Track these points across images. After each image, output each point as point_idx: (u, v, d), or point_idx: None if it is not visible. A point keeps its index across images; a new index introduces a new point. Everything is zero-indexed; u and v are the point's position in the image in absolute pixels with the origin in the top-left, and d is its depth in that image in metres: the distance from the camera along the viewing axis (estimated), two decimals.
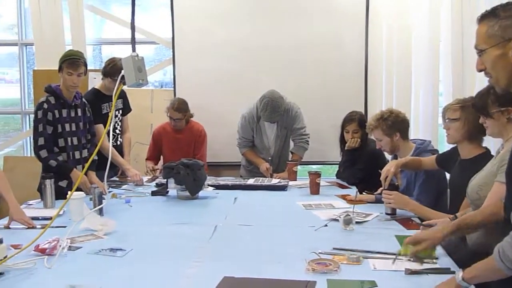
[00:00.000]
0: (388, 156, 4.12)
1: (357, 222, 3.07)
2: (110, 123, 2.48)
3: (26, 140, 6.68)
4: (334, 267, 2.34)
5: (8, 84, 9.23)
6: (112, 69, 4.39)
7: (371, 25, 5.57)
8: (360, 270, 2.34)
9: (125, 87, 2.57)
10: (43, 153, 3.82)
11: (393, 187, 3.28)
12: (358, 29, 5.57)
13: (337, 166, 4.79)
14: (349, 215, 3.04)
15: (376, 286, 2.16)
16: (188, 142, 4.98)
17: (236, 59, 5.70)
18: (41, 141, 3.82)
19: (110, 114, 2.50)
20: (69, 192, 3.20)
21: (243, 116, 4.87)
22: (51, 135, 3.85)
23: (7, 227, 3.13)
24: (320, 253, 2.53)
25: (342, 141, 4.50)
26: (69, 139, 3.92)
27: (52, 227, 2.59)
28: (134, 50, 2.38)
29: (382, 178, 3.31)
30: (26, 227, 3.12)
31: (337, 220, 3.09)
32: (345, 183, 4.33)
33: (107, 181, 3.91)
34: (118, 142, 4.71)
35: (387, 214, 3.26)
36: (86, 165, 2.62)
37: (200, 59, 5.76)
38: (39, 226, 3.12)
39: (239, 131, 4.93)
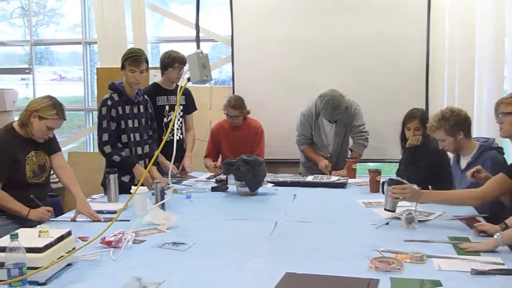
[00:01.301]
0: (450, 155, 4.03)
1: (419, 221, 3.02)
2: (175, 117, 2.51)
3: (89, 136, 6.87)
4: (397, 266, 2.31)
5: (70, 82, 9.50)
6: (169, 59, 4.52)
7: (433, 21, 5.46)
8: (424, 270, 2.30)
9: (188, 85, 2.60)
10: (107, 149, 3.92)
11: (398, 182, 3.20)
12: (420, 25, 5.46)
13: (396, 164, 4.72)
14: (412, 214, 2.99)
15: (441, 286, 2.12)
16: (246, 139, 5.00)
17: (295, 56, 5.70)
18: (105, 137, 3.92)
19: (175, 108, 2.53)
20: (132, 187, 3.31)
21: (302, 113, 4.86)
22: (115, 131, 3.95)
23: (73, 220, 3.24)
24: (382, 251, 2.50)
25: (403, 138, 4.43)
26: (131, 135, 4.01)
27: (117, 220, 2.64)
28: (198, 47, 2.41)
29: (393, 195, 3.14)
30: (91, 220, 3.21)
31: (399, 218, 3.05)
32: (405, 181, 4.26)
33: (166, 177, 4.00)
34: (177, 137, 4.71)
35: (386, 210, 3.14)
36: (151, 162, 2.66)
37: (259, 56, 5.79)
38: (104, 220, 3.21)
39: (297, 128, 4.92)
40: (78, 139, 7.09)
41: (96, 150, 6.28)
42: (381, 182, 3.30)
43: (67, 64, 9.37)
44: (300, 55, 5.69)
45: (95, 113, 6.60)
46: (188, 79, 2.43)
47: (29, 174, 3.28)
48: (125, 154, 3.96)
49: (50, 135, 3.31)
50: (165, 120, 4.56)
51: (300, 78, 5.68)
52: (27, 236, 2.24)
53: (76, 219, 3.24)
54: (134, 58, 3.92)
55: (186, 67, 4.65)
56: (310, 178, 4.36)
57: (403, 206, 3.30)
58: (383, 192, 3.21)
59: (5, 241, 2.19)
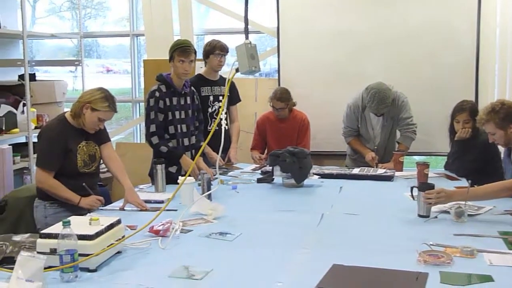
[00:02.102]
0: (501, 148, 3.94)
1: (469, 215, 2.96)
2: (223, 107, 2.52)
3: (136, 127, 6.98)
4: (447, 260, 2.27)
5: (116, 74, 9.67)
6: (209, 46, 4.60)
7: (484, 10, 5.31)
8: (474, 264, 2.26)
9: (237, 75, 2.60)
10: (155, 139, 3.97)
11: (429, 187, 3.11)
12: (470, 14, 5.33)
13: (444, 157, 4.64)
14: (461, 207, 2.94)
15: (493, 281, 2.08)
16: (292, 131, 4.99)
17: (341, 48, 5.65)
18: (152, 128, 3.97)
19: (223, 99, 2.54)
20: (179, 177, 3.35)
21: (348, 105, 4.82)
22: (162, 122, 3.99)
23: (122, 209, 3.31)
24: (431, 244, 2.47)
25: (452, 131, 4.34)
26: (178, 126, 4.05)
27: (165, 210, 2.68)
28: (247, 37, 2.41)
29: (428, 200, 3.09)
30: (139, 209, 3.27)
31: (448, 212, 3.00)
32: (454, 175, 4.19)
33: (212, 168, 4.04)
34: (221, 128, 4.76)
35: (420, 216, 3.05)
36: (199, 152, 2.69)
37: (305, 48, 5.76)
38: (151, 209, 3.26)
39: (344, 121, 4.88)
40: (125, 130, 7.21)
41: (143, 141, 6.41)
42: (410, 188, 3.23)
43: (113, 57, 9.52)
44: (346, 47, 5.64)
45: (142, 105, 6.72)
46: (237, 70, 2.44)
47: (80, 163, 3.34)
48: (172, 145, 4.01)
49: (101, 126, 3.38)
50: (209, 110, 4.60)
51: (347, 70, 5.63)
52: (79, 224, 2.29)
53: (125, 208, 3.31)
54: (183, 49, 3.96)
55: (229, 57, 4.70)
56: (356, 171, 4.33)
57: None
58: (413, 198, 3.16)
59: (57, 228, 2.25)
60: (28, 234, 2.52)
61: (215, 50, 4.56)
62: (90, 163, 3.42)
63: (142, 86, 6.49)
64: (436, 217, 3.00)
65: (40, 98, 5.95)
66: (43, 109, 5.92)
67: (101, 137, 3.50)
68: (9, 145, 5.24)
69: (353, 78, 5.51)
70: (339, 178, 4.16)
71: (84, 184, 3.30)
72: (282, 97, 4.89)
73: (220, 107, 4.62)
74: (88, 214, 2.99)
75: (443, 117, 4.51)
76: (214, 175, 3.84)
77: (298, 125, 5.01)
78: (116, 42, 8.43)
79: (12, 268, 1.91)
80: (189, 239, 2.68)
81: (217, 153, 2.69)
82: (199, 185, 3.55)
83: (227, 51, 4.62)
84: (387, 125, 4.75)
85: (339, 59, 5.66)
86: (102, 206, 3.37)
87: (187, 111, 4.12)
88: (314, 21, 5.71)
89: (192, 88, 4.23)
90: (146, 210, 3.25)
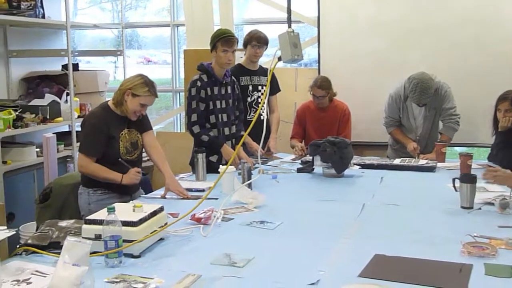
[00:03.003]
0: None
1: None
2: (266, 96, 2.53)
3: (177, 117, 7.05)
4: (492, 251, 2.24)
5: (156, 65, 9.76)
6: (248, 36, 4.62)
7: None
8: None
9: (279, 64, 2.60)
10: (196, 129, 4.01)
11: (471, 178, 3.04)
12: None
13: (487, 149, 4.56)
14: (506, 199, 2.89)
15: None
16: (332, 121, 4.96)
17: (383, 37, 5.58)
18: (194, 117, 4.01)
19: (265, 89, 2.55)
20: (220, 166, 3.38)
21: (390, 95, 4.78)
22: (204, 112, 4.02)
23: (163, 197, 3.36)
24: (475, 236, 2.44)
25: (495, 121, 4.26)
26: (219, 115, 4.08)
27: (206, 198, 2.71)
28: (290, 26, 2.41)
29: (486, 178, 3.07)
30: (181, 197, 3.31)
31: (492, 204, 2.95)
32: (498, 166, 4.11)
33: (252, 157, 4.05)
34: (262, 117, 4.73)
35: (463, 207, 2.98)
36: (240, 142, 2.71)
37: (345, 37, 5.71)
38: (192, 197, 3.30)
39: (385, 110, 4.84)
40: (165, 120, 7.28)
41: (183, 130, 6.46)
42: (453, 179, 3.17)
43: (152, 47, 9.61)
44: (388, 35, 5.57)
45: (182, 94, 6.77)
46: (279, 59, 2.44)
47: (122, 150, 3.38)
48: (213, 135, 4.04)
49: (143, 112, 3.41)
50: (248, 100, 4.61)
51: (388, 59, 5.57)
52: (123, 211, 2.34)
53: (166, 196, 3.35)
54: (226, 39, 3.98)
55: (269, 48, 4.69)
56: (397, 161, 4.29)
57: (496, 191, 3.20)
58: (456, 189, 3.11)
59: (102, 214, 2.30)
60: (73, 220, 2.57)
61: (252, 41, 4.56)
62: (132, 150, 3.45)
63: (182, 76, 6.54)
64: (479, 208, 2.95)
65: (83, 87, 6.06)
66: (85, 98, 6.03)
67: (143, 125, 3.55)
68: (53, 133, 5.34)
69: (395, 67, 5.45)
70: (380, 168, 4.13)
71: (120, 159, 3.34)
72: (323, 84, 4.86)
73: (259, 96, 4.63)
74: (131, 201, 3.05)
75: (487, 108, 4.42)
76: (254, 165, 3.86)
77: (339, 116, 4.98)
78: (155, 33, 8.50)
79: (58, 253, 1.95)
80: (230, 227, 2.71)
81: (258, 143, 2.70)
82: (239, 174, 3.57)
83: (265, 43, 4.59)
84: (429, 116, 4.68)
85: (381, 47, 5.59)
86: (144, 194, 3.43)
87: (228, 100, 4.14)
88: (355, 9, 5.66)
89: (233, 77, 4.25)
90: (187, 198, 3.29)
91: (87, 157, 3.32)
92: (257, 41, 4.55)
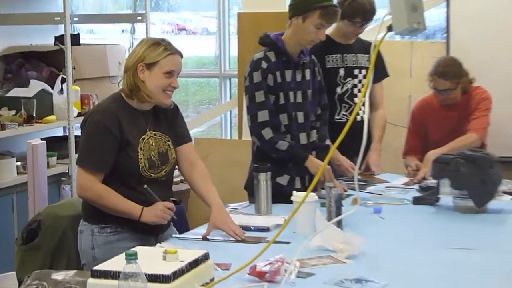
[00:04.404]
0: None
1: None
2: (367, 87, 2.52)
3: (226, 115, 7.04)
4: None
5: (192, 36, 9.72)
6: (349, 7, 4.47)
7: None
8: None
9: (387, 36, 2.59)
10: (267, 133, 3.97)
11: None
12: None
13: None
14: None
15: None
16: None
17: None
18: (262, 115, 3.98)
19: (367, 75, 2.54)
20: (294, 193, 3.38)
21: None
22: (274, 108, 4.01)
23: (205, 237, 3.37)
24: None
25: None
26: (293, 114, 4.08)
27: (273, 242, 2.72)
28: None
29: None
30: (234, 239, 3.32)
31: None
32: None
33: (343, 180, 4.05)
34: (359, 118, 4.63)
35: None
36: (328, 155, 2.71)
37: None
38: (250, 240, 3.31)
39: None
40: (208, 120, 7.29)
41: (235, 136, 6.48)
42: None
43: (188, 8, 9.63)
44: None
45: (235, 81, 6.77)
46: (389, 29, 2.41)
47: (143, 163, 3.35)
48: (293, 141, 4.03)
49: (174, 84, 3.37)
50: (338, 91, 4.61)
51: None
52: (148, 259, 2.36)
53: (210, 238, 3.37)
54: (331, 11, 3.97)
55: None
56: None
57: None
58: None
59: (118, 263, 2.32)
60: (73, 271, 2.61)
61: (355, 17, 4.50)
62: (160, 165, 3.44)
63: (235, 53, 6.55)
64: None
65: (86, 70, 6.10)
66: (90, 86, 6.08)
67: (178, 134, 3.57)
68: (42, 139, 5.31)
69: None
70: None
71: (145, 186, 3.32)
72: (446, 72, 4.74)
73: (355, 85, 4.59)
74: (159, 244, 3.08)
75: None
76: (346, 191, 3.85)
77: (472, 109, 4.88)
78: None
79: None
80: (310, 287, 2.71)
81: (352, 159, 2.69)
82: (322, 205, 3.57)
83: (372, 18, 4.58)
84: None
85: None
86: (179, 234, 3.46)
87: (306, 91, 4.14)
88: None
89: (313, 57, 4.25)
90: (243, 241, 3.31)
91: (89, 174, 3.33)
92: (362, 17, 4.52)
